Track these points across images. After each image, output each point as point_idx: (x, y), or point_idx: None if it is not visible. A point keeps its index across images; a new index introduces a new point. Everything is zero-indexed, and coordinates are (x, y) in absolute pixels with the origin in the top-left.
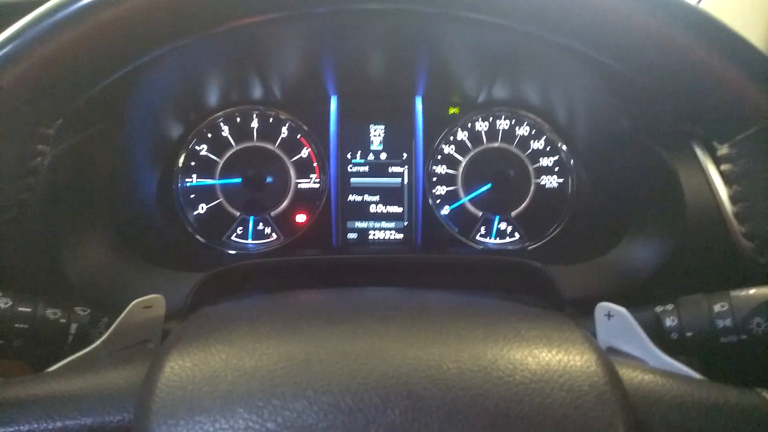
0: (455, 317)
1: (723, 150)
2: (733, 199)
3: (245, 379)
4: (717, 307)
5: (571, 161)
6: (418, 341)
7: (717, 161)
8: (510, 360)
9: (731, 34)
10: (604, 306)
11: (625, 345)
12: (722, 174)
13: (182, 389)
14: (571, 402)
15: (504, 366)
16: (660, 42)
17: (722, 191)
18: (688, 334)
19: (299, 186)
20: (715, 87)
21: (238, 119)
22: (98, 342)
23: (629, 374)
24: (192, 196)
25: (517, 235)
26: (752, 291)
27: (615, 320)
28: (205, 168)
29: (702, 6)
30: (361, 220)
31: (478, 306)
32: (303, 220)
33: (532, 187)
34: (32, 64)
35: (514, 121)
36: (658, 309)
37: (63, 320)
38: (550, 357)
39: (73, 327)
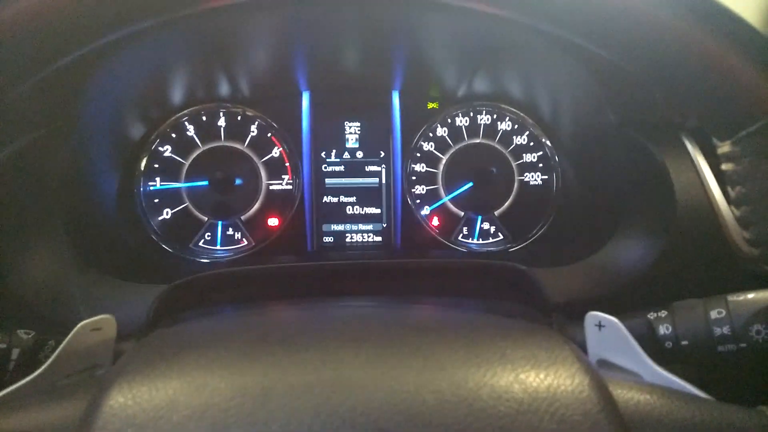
0: (433, 337)
1: (724, 148)
2: (736, 201)
3: (193, 420)
4: (714, 314)
5: (556, 157)
6: (391, 368)
7: (715, 158)
8: (494, 388)
9: (735, 18)
10: (594, 315)
11: (617, 357)
12: (723, 174)
13: None
14: None
15: (487, 395)
16: (657, 27)
17: (714, 187)
18: (684, 342)
19: (271, 188)
20: (715, 77)
21: (204, 118)
22: (40, 369)
23: (625, 395)
24: (156, 200)
25: (500, 236)
26: (751, 295)
27: (606, 331)
28: (170, 170)
29: None
30: (338, 222)
31: (457, 323)
32: (275, 224)
33: (516, 185)
34: None
35: (495, 115)
36: (651, 316)
37: (3, 345)
38: (538, 382)
39: (15, 352)
